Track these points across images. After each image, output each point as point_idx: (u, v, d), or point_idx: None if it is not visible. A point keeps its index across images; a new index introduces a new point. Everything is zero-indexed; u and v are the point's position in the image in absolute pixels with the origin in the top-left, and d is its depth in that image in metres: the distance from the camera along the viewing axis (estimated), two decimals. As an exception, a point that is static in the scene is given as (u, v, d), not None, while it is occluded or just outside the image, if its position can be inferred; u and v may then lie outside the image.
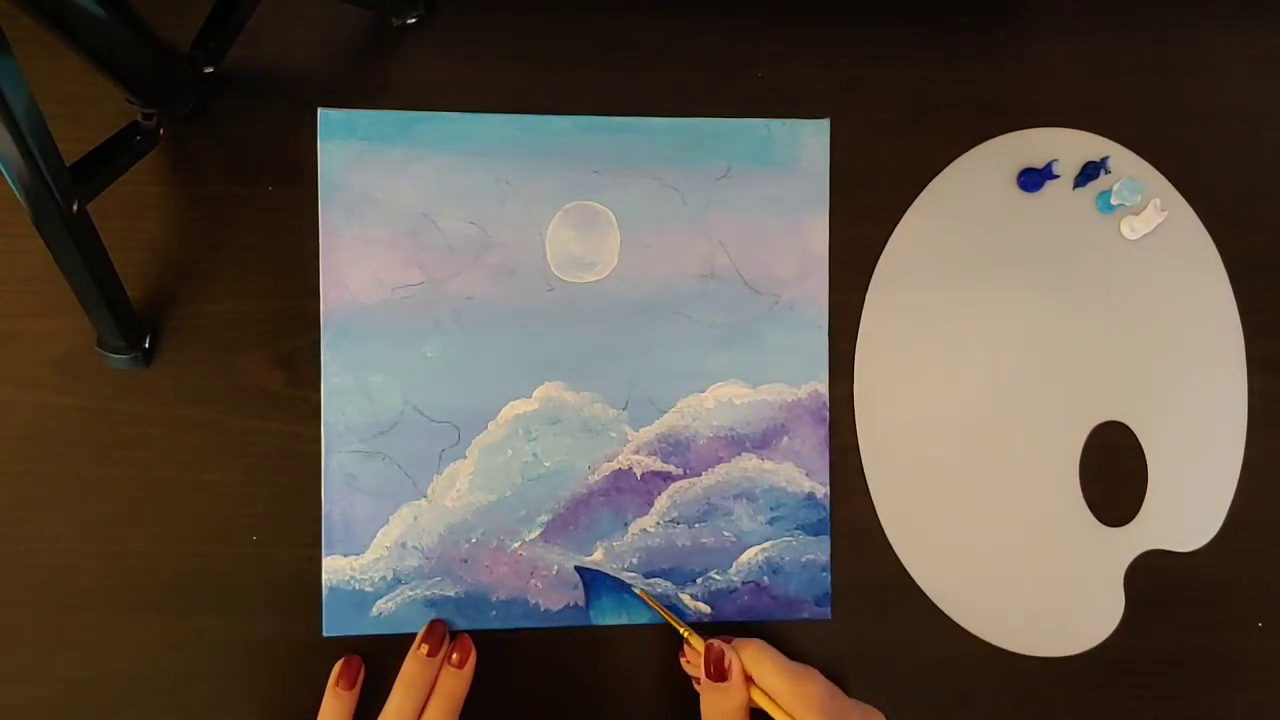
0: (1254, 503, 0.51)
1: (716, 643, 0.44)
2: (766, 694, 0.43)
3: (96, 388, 0.46)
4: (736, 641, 0.45)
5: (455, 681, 0.45)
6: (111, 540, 0.46)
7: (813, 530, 0.49)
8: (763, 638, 0.48)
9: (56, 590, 0.46)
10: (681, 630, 0.46)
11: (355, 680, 0.45)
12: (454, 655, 0.45)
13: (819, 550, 0.49)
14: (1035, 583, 0.50)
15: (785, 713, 0.42)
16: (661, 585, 0.48)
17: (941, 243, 0.50)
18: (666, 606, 0.48)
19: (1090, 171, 0.50)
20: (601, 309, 0.48)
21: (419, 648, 0.45)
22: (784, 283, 0.49)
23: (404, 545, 0.47)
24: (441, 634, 0.46)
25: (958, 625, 0.49)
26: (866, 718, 0.44)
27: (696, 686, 0.45)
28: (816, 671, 0.44)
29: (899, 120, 0.50)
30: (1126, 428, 0.50)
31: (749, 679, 0.43)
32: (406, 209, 0.47)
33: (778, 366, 0.49)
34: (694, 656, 0.45)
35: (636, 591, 0.47)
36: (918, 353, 0.50)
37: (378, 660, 0.46)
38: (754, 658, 0.44)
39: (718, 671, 0.43)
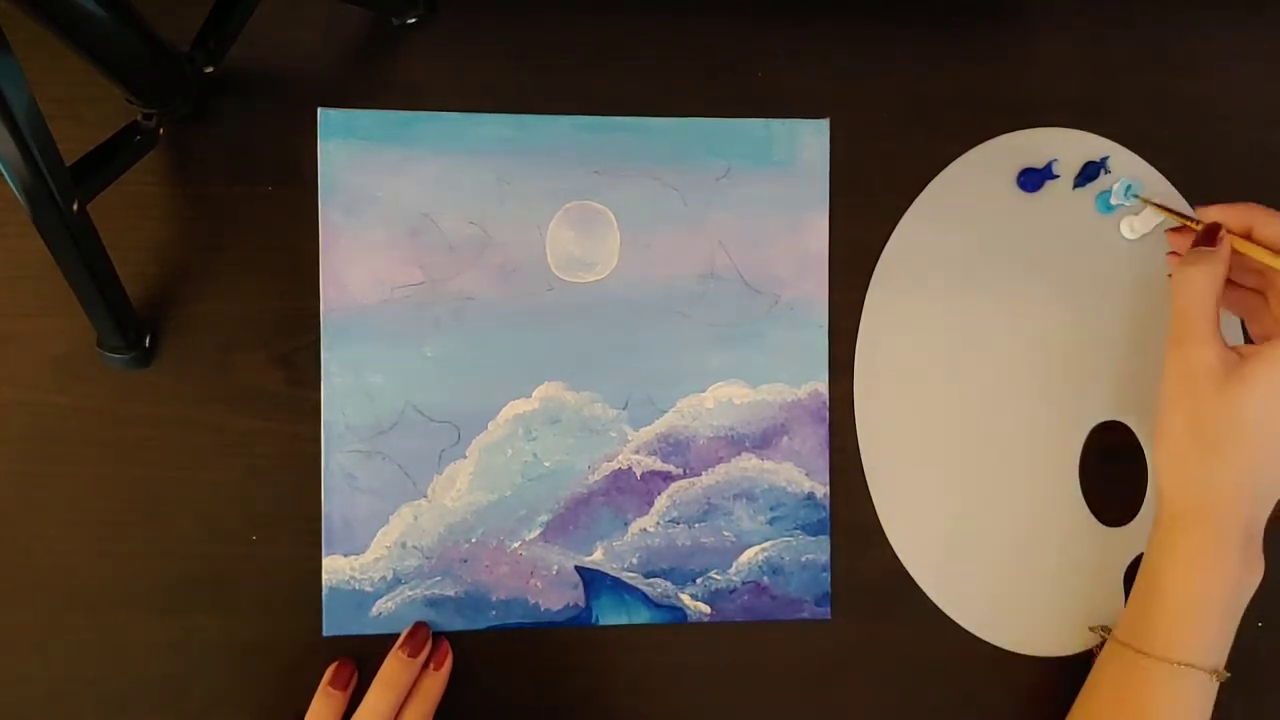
0: (1254, 503, 0.50)
1: (1211, 221, 0.43)
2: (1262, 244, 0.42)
3: (96, 388, 0.46)
4: (1226, 205, 0.44)
5: (434, 683, 0.45)
6: (111, 540, 0.46)
7: (813, 530, 0.49)
8: (763, 638, 0.49)
9: (56, 590, 0.46)
10: (1185, 221, 0.45)
11: (348, 683, 0.45)
12: (432, 659, 0.46)
13: (819, 550, 0.49)
14: (1035, 583, 0.50)
15: (1275, 254, 0.42)
16: (661, 585, 0.48)
17: (941, 243, 0.50)
18: (668, 606, 0.48)
19: (1090, 171, 0.50)
20: (601, 309, 0.48)
21: (400, 649, 0.45)
22: (784, 283, 0.49)
23: (404, 545, 0.47)
24: (424, 637, 0.46)
25: (958, 625, 0.49)
26: None
27: (1173, 263, 0.45)
28: None
29: (899, 120, 0.50)
30: (1126, 428, 0.50)
31: (1246, 237, 0.43)
32: (406, 209, 0.47)
33: (778, 366, 0.49)
34: (1180, 240, 0.46)
35: (1140, 199, 0.47)
36: (918, 352, 0.50)
37: (377, 660, 0.46)
38: (1248, 210, 0.43)
39: (1210, 239, 0.43)
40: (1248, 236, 0.43)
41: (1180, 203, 0.51)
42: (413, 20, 0.47)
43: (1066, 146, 0.50)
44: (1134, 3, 0.51)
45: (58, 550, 0.46)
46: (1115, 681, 0.44)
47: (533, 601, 0.47)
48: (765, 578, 0.49)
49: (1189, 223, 0.45)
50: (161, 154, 0.46)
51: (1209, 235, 0.43)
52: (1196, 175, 0.51)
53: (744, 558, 0.49)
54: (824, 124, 0.49)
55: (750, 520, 0.49)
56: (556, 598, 0.48)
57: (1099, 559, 0.50)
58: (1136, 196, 0.49)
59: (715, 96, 0.49)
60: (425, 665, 0.45)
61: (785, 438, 0.49)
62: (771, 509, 0.49)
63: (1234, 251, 0.43)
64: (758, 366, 0.49)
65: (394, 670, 0.44)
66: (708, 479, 0.48)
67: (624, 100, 0.48)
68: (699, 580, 0.48)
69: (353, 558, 0.46)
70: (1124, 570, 0.50)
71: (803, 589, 0.49)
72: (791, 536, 0.49)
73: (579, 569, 0.48)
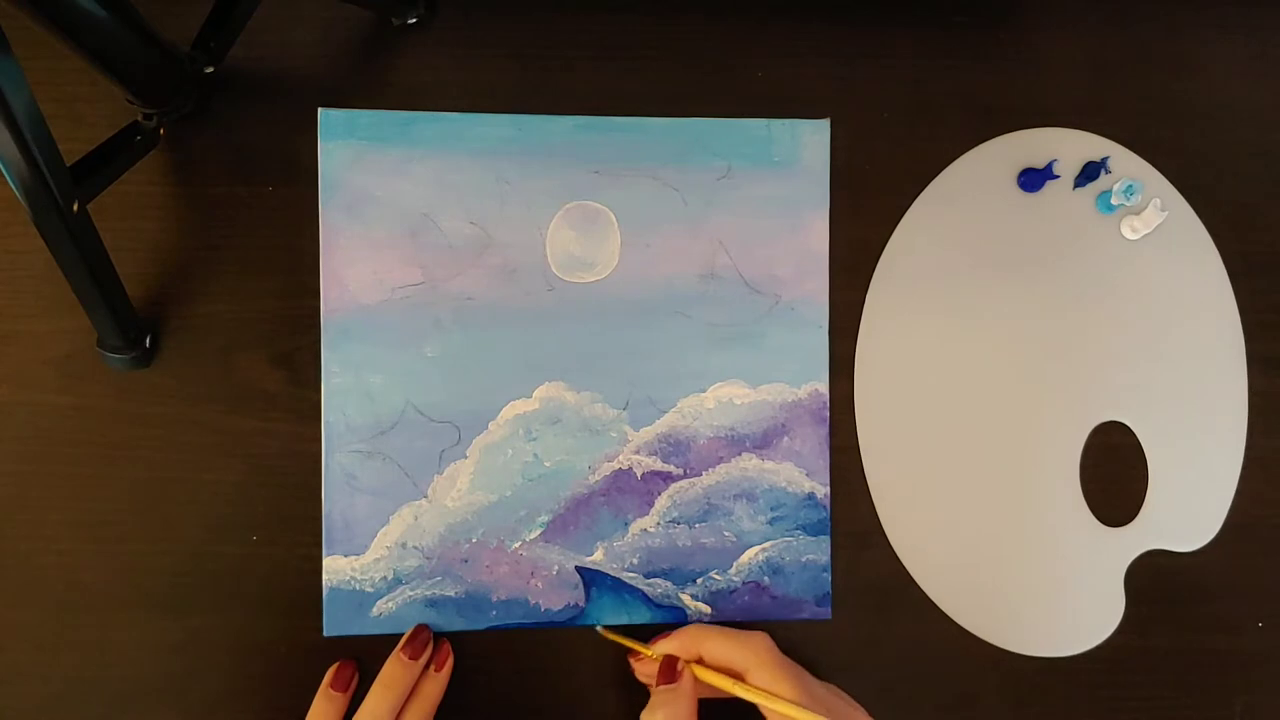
0: (1254, 503, 0.51)
1: (667, 654, 0.44)
2: (715, 668, 0.43)
3: (96, 388, 0.46)
4: (677, 631, 0.45)
5: (434, 685, 0.45)
6: (111, 540, 0.46)
7: (813, 530, 0.49)
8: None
9: (56, 590, 0.46)
10: (641, 650, 0.45)
11: (348, 684, 0.45)
12: (433, 660, 0.46)
13: (819, 550, 0.49)
14: (1035, 583, 0.50)
15: (734, 681, 0.42)
16: (661, 585, 0.48)
17: (941, 243, 0.50)
18: (668, 607, 0.48)
19: (1090, 171, 0.50)
20: (601, 309, 0.48)
21: (401, 651, 0.45)
22: (784, 283, 0.49)
23: (404, 545, 0.47)
24: (425, 640, 0.46)
25: (958, 625, 0.50)
26: (826, 688, 0.44)
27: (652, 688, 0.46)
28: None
29: (899, 120, 0.50)
30: (1126, 428, 0.50)
31: (699, 662, 0.44)
32: (406, 209, 0.47)
33: (778, 366, 0.49)
34: (643, 666, 0.46)
35: (598, 629, 0.47)
36: (918, 353, 0.50)
37: (377, 660, 0.46)
38: (697, 633, 0.44)
39: (669, 674, 0.43)
40: (700, 661, 0.44)
41: (1179, 203, 0.51)
42: (413, 20, 0.48)
43: (1066, 146, 0.50)
44: (1134, 3, 0.51)
45: (58, 550, 0.46)
46: None
47: (533, 601, 0.47)
48: (765, 578, 0.49)
49: (645, 651, 0.45)
50: (161, 154, 0.46)
51: (669, 670, 0.43)
52: (1196, 175, 0.51)
53: (744, 558, 0.49)
54: (824, 124, 0.49)
55: (750, 520, 0.49)
56: (556, 598, 0.48)
57: (1099, 559, 0.50)
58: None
59: (715, 96, 0.49)
60: (426, 667, 0.45)
61: (785, 438, 0.49)
62: (772, 509, 0.49)
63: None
64: (758, 366, 0.49)
65: (395, 672, 0.44)
66: (708, 479, 0.48)
67: (624, 100, 0.48)
68: (699, 580, 0.48)
69: (353, 558, 0.46)
70: (1124, 570, 0.50)
71: (803, 589, 0.49)
72: (792, 537, 0.49)
73: (579, 569, 0.48)
